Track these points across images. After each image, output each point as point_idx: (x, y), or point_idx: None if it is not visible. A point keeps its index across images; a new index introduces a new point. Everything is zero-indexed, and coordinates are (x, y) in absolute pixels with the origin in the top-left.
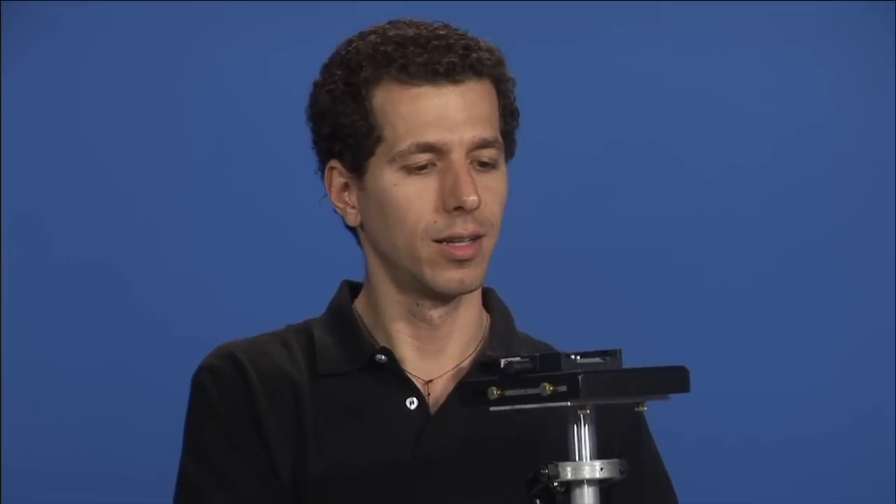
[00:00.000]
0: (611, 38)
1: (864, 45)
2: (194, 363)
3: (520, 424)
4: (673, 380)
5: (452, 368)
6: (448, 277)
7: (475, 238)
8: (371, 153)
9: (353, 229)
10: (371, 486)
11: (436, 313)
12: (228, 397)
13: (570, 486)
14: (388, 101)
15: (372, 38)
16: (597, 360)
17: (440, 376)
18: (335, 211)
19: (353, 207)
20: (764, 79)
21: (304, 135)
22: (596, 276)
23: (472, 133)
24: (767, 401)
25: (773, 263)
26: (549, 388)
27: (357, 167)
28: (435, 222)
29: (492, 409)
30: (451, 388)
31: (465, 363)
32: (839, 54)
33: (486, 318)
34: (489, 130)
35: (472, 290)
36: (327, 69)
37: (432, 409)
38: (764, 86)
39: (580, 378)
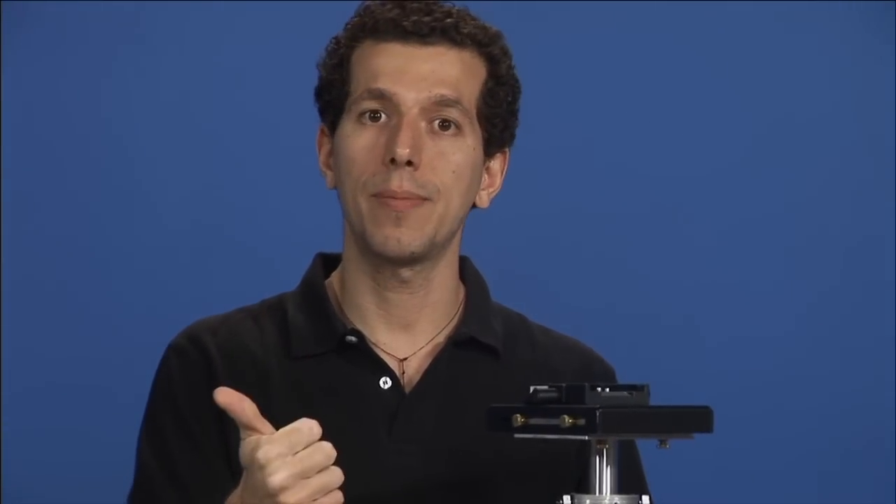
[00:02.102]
0: (606, 22)
1: (864, 45)
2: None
3: (487, 406)
4: (695, 420)
5: (426, 344)
6: (385, 234)
7: (415, 200)
8: (341, 109)
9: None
10: (347, 467)
11: (400, 278)
12: (189, 381)
13: None
14: (361, 56)
15: (369, 2)
16: (623, 393)
17: (414, 354)
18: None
19: (331, 169)
20: (762, 78)
21: (289, 119)
22: (575, 239)
23: (428, 91)
24: (735, 360)
25: (747, 227)
26: (568, 420)
27: (333, 126)
28: (374, 175)
29: (516, 435)
30: (425, 365)
31: (440, 338)
32: (839, 54)
33: (461, 290)
34: (451, 91)
35: (411, 253)
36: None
37: (406, 389)
38: (763, 85)
39: (598, 413)
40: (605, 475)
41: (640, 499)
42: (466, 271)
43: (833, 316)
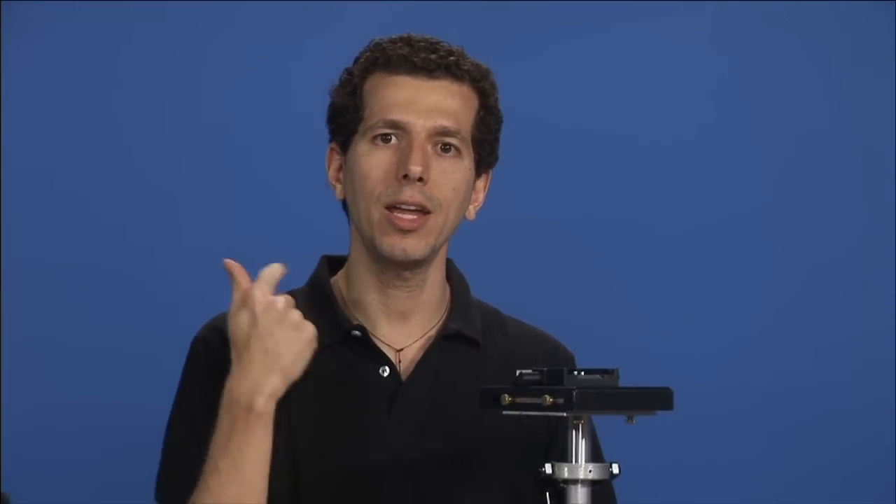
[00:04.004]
0: (607, 31)
1: (864, 45)
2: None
3: (470, 391)
4: (657, 399)
5: (421, 337)
6: (391, 244)
7: (421, 212)
8: (354, 131)
9: (344, 206)
10: (353, 442)
11: (402, 277)
12: (216, 369)
13: (566, 483)
14: (373, 87)
15: (378, 39)
16: (596, 376)
17: (409, 345)
18: (333, 189)
19: (340, 182)
20: (762, 78)
21: (301, 124)
22: (550, 245)
23: (434, 121)
24: (697, 358)
25: (708, 230)
26: (549, 399)
27: (345, 145)
28: (387, 188)
29: (504, 412)
30: (419, 356)
31: (433, 332)
32: (839, 54)
33: (447, 288)
34: (452, 123)
35: (415, 259)
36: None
37: (403, 376)
38: (762, 85)
39: (574, 393)
40: (580, 446)
41: (611, 466)
42: (451, 272)
43: (818, 312)
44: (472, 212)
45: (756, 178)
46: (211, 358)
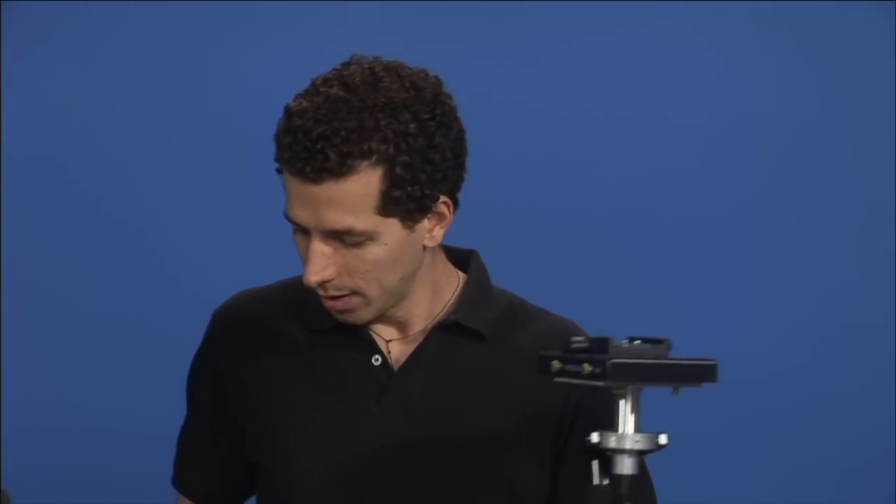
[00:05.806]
0: (611, 29)
1: (864, 45)
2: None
3: (470, 383)
4: (700, 372)
5: (417, 331)
6: (334, 316)
7: (343, 299)
8: None
9: None
10: (342, 428)
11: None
12: (224, 347)
13: (613, 453)
14: (282, 170)
15: (293, 104)
16: (646, 346)
17: (404, 338)
18: None
19: None
20: (762, 77)
21: None
22: (561, 237)
23: (324, 225)
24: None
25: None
26: (588, 367)
27: None
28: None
29: (555, 380)
30: (412, 348)
31: (432, 324)
32: (840, 54)
33: (459, 280)
34: (345, 223)
35: (366, 323)
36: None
37: (396, 366)
38: (763, 84)
39: (608, 364)
40: (627, 415)
41: (658, 436)
42: (472, 264)
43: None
44: (437, 236)
45: (755, 176)
46: (222, 337)
